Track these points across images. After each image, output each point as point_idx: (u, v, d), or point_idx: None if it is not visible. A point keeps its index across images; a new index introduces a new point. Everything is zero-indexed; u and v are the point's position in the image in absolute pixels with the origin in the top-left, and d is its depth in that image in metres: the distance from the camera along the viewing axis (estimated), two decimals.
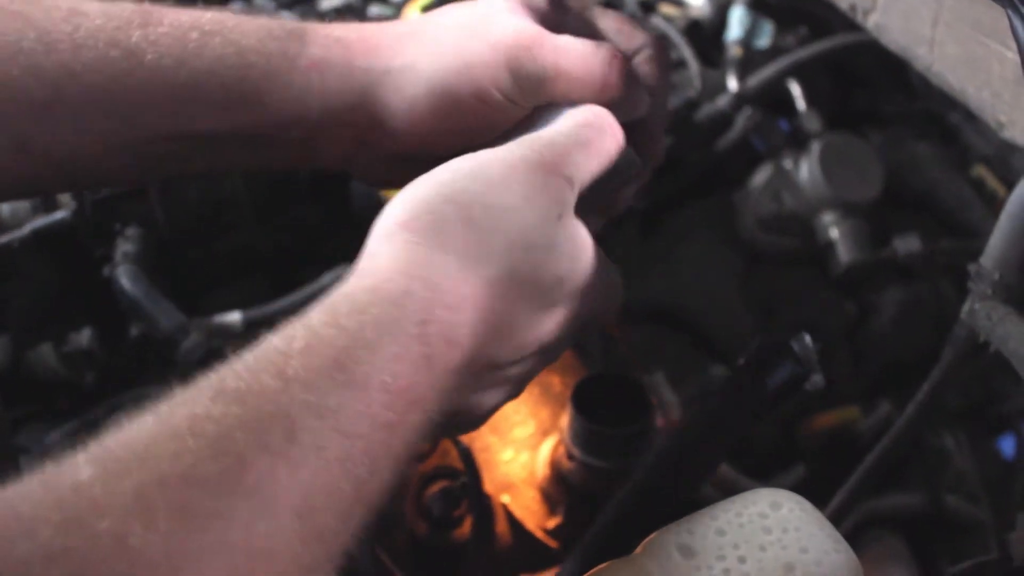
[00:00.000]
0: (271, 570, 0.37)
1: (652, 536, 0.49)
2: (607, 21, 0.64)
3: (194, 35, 0.57)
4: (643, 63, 0.63)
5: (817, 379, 0.73)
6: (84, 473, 0.35)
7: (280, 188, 0.90)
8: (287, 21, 0.60)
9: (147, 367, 0.90)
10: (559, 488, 0.87)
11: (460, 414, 0.52)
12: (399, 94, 0.59)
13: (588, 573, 0.50)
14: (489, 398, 0.53)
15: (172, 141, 0.59)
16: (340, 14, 1.04)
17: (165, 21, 0.57)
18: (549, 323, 0.52)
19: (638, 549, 0.49)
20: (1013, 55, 0.70)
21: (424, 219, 0.48)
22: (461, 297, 0.47)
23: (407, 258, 0.47)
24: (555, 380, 0.87)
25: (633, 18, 0.81)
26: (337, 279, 0.92)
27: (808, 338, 0.73)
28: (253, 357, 0.42)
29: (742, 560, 0.47)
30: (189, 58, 0.57)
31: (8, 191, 0.66)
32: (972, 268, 0.76)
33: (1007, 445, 1.08)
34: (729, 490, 0.74)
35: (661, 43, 0.64)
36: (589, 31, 0.63)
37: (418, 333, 0.45)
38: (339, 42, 0.59)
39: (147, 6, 0.58)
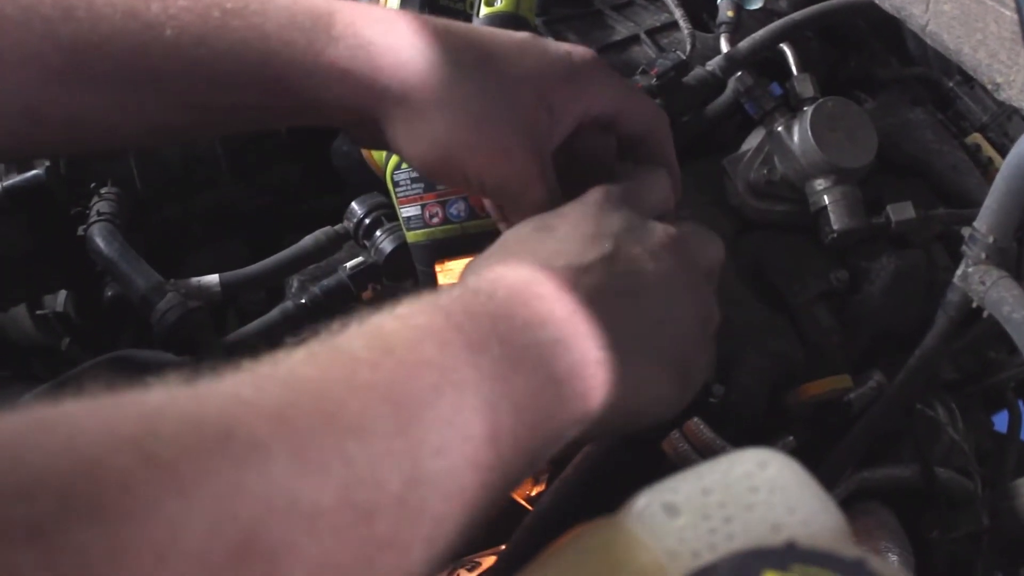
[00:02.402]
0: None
1: (636, 495, 0.47)
2: None
3: (215, 13, 0.56)
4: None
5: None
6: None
7: (258, 146, 0.89)
8: (313, 2, 0.58)
9: (123, 329, 0.88)
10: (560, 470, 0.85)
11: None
12: (406, 128, 0.59)
13: (569, 533, 0.48)
14: None
15: (185, 112, 0.58)
16: None
17: None
18: None
19: (622, 508, 0.47)
20: (1010, 13, 0.68)
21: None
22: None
23: None
24: None
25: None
26: (318, 243, 0.91)
27: None
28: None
29: (728, 520, 0.45)
30: (209, 37, 0.55)
31: (16, 153, 0.65)
32: (966, 232, 0.75)
33: (999, 417, 1.07)
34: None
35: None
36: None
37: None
38: (364, 49, 0.57)
39: None
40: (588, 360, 0.48)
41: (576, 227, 0.56)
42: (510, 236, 0.57)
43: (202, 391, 0.36)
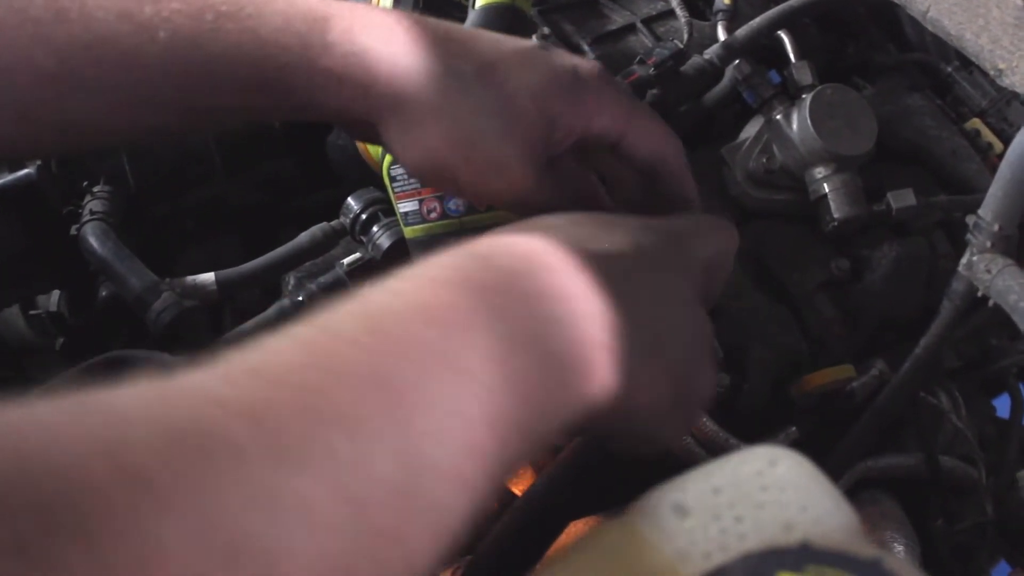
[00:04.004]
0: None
1: (644, 495, 0.47)
2: None
3: (209, 16, 0.55)
4: None
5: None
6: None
7: (251, 141, 0.88)
8: (309, 3, 0.58)
9: (117, 329, 0.87)
10: (552, 458, 0.84)
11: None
12: (400, 135, 0.59)
13: (568, 528, 0.48)
14: None
15: (178, 115, 0.58)
16: None
17: None
18: None
19: (629, 508, 0.46)
20: None
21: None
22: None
23: None
24: None
25: None
26: (314, 239, 0.90)
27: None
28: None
29: (739, 519, 0.45)
30: (204, 40, 0.55)
31: (8, 155, 0.64)
32: (971, 220, 0.74)
33: (1001, 400, 1.07)
34: (720, 453, 0.72)
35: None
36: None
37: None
38: (360, 56, 0.57)
39: None
40: (593, 342, 0.46)
41: (613, 224, 0.55)
42: (540, 217, 0.54)
43: (173, 391, 0.34)
